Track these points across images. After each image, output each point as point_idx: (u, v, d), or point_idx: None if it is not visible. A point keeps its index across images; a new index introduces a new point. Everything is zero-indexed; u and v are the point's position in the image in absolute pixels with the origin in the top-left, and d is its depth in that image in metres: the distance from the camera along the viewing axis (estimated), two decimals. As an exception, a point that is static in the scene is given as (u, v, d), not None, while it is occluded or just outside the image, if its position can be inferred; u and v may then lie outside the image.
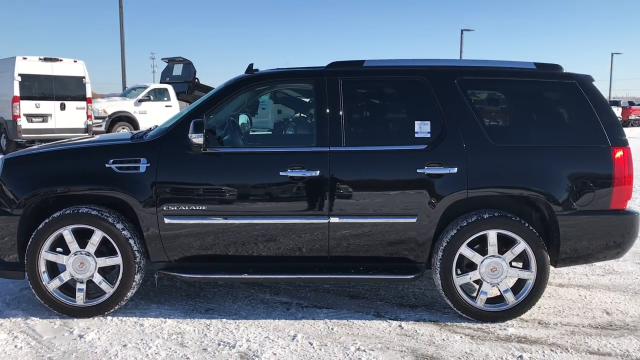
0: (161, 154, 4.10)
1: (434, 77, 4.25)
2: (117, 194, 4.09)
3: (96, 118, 17.34)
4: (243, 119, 5.50)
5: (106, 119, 18.12)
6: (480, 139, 4.12)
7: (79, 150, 4.48)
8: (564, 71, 4.35)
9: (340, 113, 4.17)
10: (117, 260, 4.12)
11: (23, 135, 15.14)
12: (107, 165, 4.08)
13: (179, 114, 4.61)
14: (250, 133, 5.63)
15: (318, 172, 4.07)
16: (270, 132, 5.65)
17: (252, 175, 4.17)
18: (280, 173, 4.08)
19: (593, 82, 4.31)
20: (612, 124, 4.18)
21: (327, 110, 4.17)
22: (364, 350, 3.69)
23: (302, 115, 5.79)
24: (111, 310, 4.17)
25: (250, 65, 4.55)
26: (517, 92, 4.42)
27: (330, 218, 4.10)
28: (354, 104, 4.40)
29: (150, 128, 4.83)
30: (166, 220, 4.09)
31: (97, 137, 5.31)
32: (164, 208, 4.08)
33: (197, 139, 3.96)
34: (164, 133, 4.22)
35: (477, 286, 4.32)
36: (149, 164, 4.08)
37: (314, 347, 3.72)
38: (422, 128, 4.16)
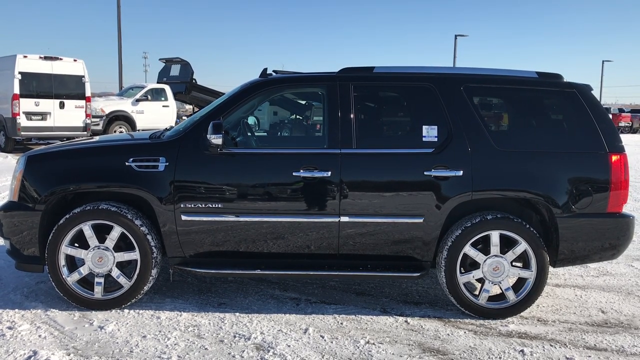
0: (179, 154, 4.26)
1: (441, 83, 4.44)
2: (136, 191, 4.24)
3: (94, 117, 17.41)
4: (252, 120, 5.67)
5: (104, 118, 18.22)
6: (485, 143, 4.31)
7: (100, 148, 4.64)
8: (565, 80, 4.55)
9: (351, 116, 4.35)
10: (135, 255, 4.27)
11: (22, 133, 15.23)
12: (127, 163, 4.23)
13: (195, 115, 4.77)
14: (263, 134, 5.80)
15: (330, 172, 4.24)
16: (282, 134, 5.81)
17: (266, 175, 4.33)
18: (293, 173, 4.25)
19: (592, 92, 4.52)
20: (610, 131, 4.39)
21: (339, 114, 4.35)
22: (374, 344, 3.87)
23: (314, 118, 5.97)
24: (128, 304, 4.33)
25: (265, 70, 4.72)
26: (520, 100, 4.62)
27: (341, 217, 4.28)
28: (365, 108, 4.58)
29: (167, 128, 4.99)
30: (183, 217, 4.24)
31: (114, 135, 5.46)
32: (182, 205, 4.23)
33: (216, 139, 4.12)
34: (182, 133, 4.38)
35: (478, 284, 4.51)
36: (167, 163, 4.23)
37: (325, 340, 3.90)
38: (430, 132, 4.34)
